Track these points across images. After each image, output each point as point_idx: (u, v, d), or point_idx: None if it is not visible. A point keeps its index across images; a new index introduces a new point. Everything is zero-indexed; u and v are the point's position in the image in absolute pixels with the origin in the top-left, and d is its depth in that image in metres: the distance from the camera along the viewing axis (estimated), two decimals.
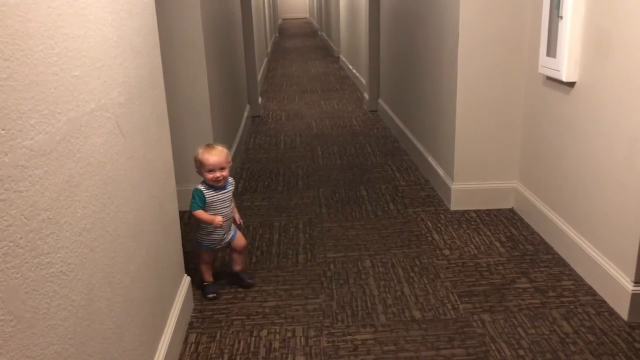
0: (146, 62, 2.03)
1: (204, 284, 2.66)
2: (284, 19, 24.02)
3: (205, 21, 3.48)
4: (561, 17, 2.69)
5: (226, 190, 2.61)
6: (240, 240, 2.71)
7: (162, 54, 2.28)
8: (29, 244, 1.10)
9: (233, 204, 2.69)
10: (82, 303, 1.34)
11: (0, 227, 1.01)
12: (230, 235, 2.67)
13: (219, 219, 2.51)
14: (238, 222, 2.73)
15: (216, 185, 2.55)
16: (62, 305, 1.23)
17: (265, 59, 10.36)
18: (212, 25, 3.82)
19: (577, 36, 2.63)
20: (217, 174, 2.52)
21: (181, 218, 2.53)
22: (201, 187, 2.56)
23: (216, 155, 2.53)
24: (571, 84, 2.72)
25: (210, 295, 2.61)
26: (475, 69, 3.30)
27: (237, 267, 2.74)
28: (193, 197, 2.53)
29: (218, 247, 2.64)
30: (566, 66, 2.68)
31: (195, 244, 2.67)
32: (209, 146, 2.58)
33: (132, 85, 1.85)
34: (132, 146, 1.81)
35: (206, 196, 2.53)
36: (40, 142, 1.17)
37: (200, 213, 2.53)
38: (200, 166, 2.55)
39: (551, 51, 2.82)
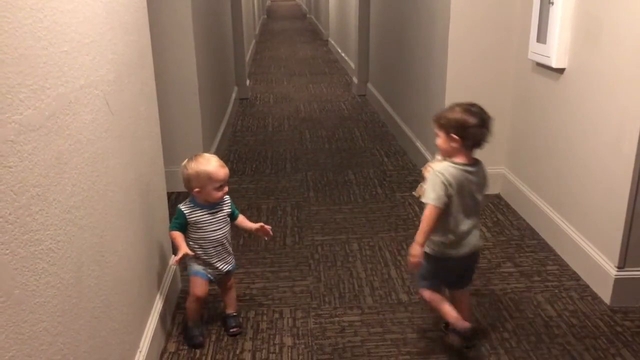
0: (135, 40, 2.00)
1: (189, 325, 2.20)
2: (272, 1, 23.79)
3: (194, 1, 3.43)
4: (552, 3, 2.69)
5: (220, 209, 2.14)
6: (230, 278, 2.25)
7: (151, 33, 2.25)
8: (18, 220, 1.09)
9: (246, 223, 2.24)
10: (71, 281, 1.33)
11: None
12: (228, 266, 2.20)
13: (182, 252, 2.02)
14: (254, 229, 2.23)
15: (211, 202, 2.10)
16: (51, 283, 1.22)
17: (253, 41, 10.27)
18: (201, 6, 3.78)
19: (567, 22, 2.64)
20: (226, 188, 2.09)
21: (169, 199, 2.52)
22: (184, 207, 2.09)
23: (222, 166, 2.07)
24: (560, 70, 2.73)
25: (197, 341, 2.16)
26: (465, 54, 3.30)
27: (227, 310, 2.28)
28: (175, 216, 2.11)
29: (210, 275, 2.16)
30: (556, 52, 2.69)
31: (188, 275, 2.20)
32: (202, 157, 2.08)
33: (121, 62, 1.82)
34: (121, 124, 1.79)
35: (191, 216, 2.08)
36: (30, 118, 1.15)
37: (175, 236, 2.08)
38: (206, 183, 2.03)
39: (541, 37, 2.82)
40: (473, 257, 2.04)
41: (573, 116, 2.66)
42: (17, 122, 1.10)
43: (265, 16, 17.00)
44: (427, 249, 1.97)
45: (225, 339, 2.21)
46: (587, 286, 2.52)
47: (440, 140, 1.94)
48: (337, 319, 2.33)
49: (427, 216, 1.89)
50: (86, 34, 1.51)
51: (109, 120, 1.67)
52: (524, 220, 3.16)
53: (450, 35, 3.27)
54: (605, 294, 2.41)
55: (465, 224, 1.95)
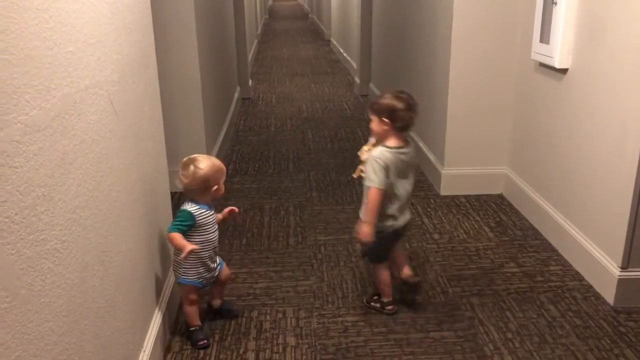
0: (139, 40, 2.01)
1: (191, 329, 2.20)
2: (274, 1, 23.79)
3: (196, 1, 3.44)
4: (555, 3, 2.69)
5: (215, 209, 2.19)
6: (225, 270, 2.29)
7: (154, 33, 2.26)
8: (24, 220, 1.09)
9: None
10: (76, 281, 1.34)
11: None
12: (217, 261, 2.24)
13: (189, 248, 2.00)
14: (223, 218, 2.26)
15: (212, 201, 2.14)
16: (56, 283, 1.22)
17: (256, 41, 10.27)
18: (204, 6, 3.78)
19: (570, 23, 2.63)
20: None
21: (172, 198, 2.52)
22: (192, 209, 2.07)
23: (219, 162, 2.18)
24: (563, 71, 2.73)
25: (202, 343, 2.17)
26: (468, 54, 3.30)
27: (218, 302, 2.33)
28: (178, 218, 2.07)
29: (206, 281, 2.19)
30: (559, 53, 2.69)
31: (180, 283, 2.18)
32: (199, 157, 2.09)
33: (125, 63, 1.82)
34: (125, 125, 1.79)
35: (199, 217, 2.07)
36: (35, 118, 1.15)
37: (176, 236, 2.04)
38: (220, 177, 2.10)
39: (544, 37, 2.82)
40: (406, 227, 2.33)
41: (576, 116, 2.66)
42: (23, 123, 1.10)
43: (267, 16, 17.00)
44: (381, 229, 2.21)
45: (229, 338, 2.22)
46: (591, 286, 2.52)
47: (374, 124, 2.17)
48: (340, 318, 2.33)
49: (373, 198, 2.12)
50: (91, 35, 1.51)
51: (114, 121, 1.67)
52: (526, 220, 3.16)
53: (453, 35, 3.27)
54: (608, 294, 2.41)
55: (402, 199, 2.21)
